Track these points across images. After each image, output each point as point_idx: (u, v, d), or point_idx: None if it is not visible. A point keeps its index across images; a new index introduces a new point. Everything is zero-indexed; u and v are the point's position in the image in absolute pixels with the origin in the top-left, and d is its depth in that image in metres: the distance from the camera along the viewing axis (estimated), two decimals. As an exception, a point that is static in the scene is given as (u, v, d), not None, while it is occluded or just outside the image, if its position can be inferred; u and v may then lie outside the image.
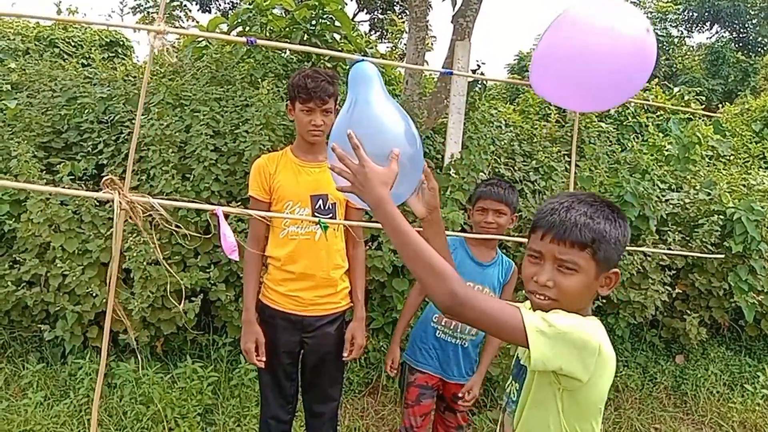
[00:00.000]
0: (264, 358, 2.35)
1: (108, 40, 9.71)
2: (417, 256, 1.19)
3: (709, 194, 4.46)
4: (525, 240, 2.04)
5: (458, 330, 2.51)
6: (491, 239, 2.47)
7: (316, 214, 2.35)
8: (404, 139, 1.41)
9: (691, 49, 18.42)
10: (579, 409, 1.29)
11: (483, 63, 5.95)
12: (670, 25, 17.00)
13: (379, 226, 2.40)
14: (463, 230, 3.74)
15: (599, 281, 1.32)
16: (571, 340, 1.20)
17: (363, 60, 1.48)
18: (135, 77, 5.17)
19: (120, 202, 1.19)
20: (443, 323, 2.53)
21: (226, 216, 3.47)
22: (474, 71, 5.50)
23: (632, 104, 6.72)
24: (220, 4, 15.98)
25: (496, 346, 2.63)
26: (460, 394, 2.51)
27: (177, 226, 1.32)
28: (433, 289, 1.17)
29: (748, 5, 16.96)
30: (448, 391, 2.59)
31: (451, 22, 4.92)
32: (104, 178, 1.22)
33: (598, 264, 1.30)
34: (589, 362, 1.21)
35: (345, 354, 2.43)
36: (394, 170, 1.32)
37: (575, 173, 4.34)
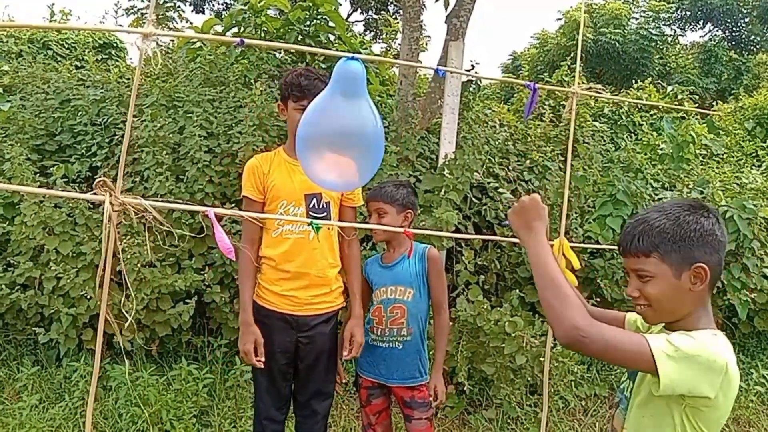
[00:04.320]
0: (263, 359, 2.36)
1: (101, 42, 9.69)
2: (553, 286, 1.27)
3: (702, 193, 4.49)
4: (515, 240, 2.05)
5: (386, 334, 2.48)
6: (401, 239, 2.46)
7: (310, 212, 2.35)
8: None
9: (685, 47, 18.49)
10: (700, 422, 1.30)
11: (477, 63, 5.95)
12: (663, 24, 17.04)
13: (372, 226, 2.41)
14: (457, 230, 3.74)
15: (684, 280, 1.32)
16: (697, 363, 1.21)
17: (352, 58, 1.49)
18: (128, 79, 5.17)
19: (112, 205, 1.19)
20: (372, 331, 2.51)
21: (220, 218, 3.48)
22: (468, 71, 5.50)
23: (626, 103, 6.74)
24: (213, 5, 15.95)
25: (445, 339, 2.57)
26: (430, 399, 2.49)
27: (171, 227, 1.32)
28: (559, 319, 1.23)
29: (741, 4, 17.01)
30: (396, 396, 2.56)
31: (445, 22, 4.93)
32: (96, 180, 1.22)
33: (672, 265, 1.31)
34: (716, 381, 1.22)
35: (345, 353, 2.43)
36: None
37: (569, 173, 4.35)
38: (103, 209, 1.21)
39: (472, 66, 5.65)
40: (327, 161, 1.59)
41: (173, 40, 6.24)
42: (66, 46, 9.05)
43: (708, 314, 1.36)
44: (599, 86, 2.22)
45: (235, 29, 5.34)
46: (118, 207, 1.20)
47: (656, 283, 1.33)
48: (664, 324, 1.40)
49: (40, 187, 3.68)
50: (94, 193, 1.21)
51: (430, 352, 2.59)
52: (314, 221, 1.58)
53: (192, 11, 15.47)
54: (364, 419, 2.62)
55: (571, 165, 4.62)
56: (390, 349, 2.49)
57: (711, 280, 1.32)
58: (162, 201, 3.56)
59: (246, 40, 1.48)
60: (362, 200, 2.56)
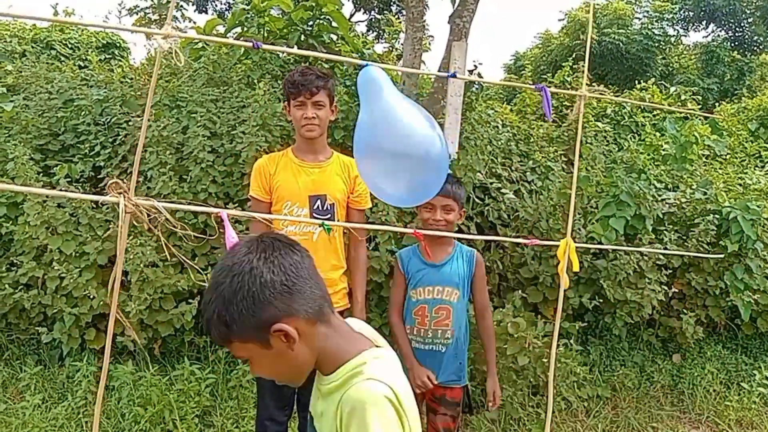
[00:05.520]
0: None
1: (104, 42, 9.71)
2: None
3: (705, 193, 4.47)
4: (521, 240, 2.06)
5: (429, 336, 2.46)
6: (445, 237, 2.43)
7: (314, 214, 2.35)
8: (430, 138, 1.48)
9: (687, 48, 18.45)
10: None
11: (480, 63, 5.94)
12: (666, 25, 17.00)
13: (377, 227, 2.41)
14: (459, 231, 3.74)
15: (278, 346, 1.11)
16: None
17: (368, 65, 1.50)
18: (132, 79, 5.17)
19: (125, 206, 1.19)
20: (414, 332, 2.48)
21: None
22: (471, 72, 5.50)
23: (629, 104, 6.73)
24: (216, 5, 15.96)
25: (494, 342, 2.59)
26: (490, 404, 2.51)
27: (184, 227, 1.33)
28: None
29: (744, 4, 16.96)
30: (429, 393, 2.53)
31: (448, 22, 4.93)
32: (110, 182, 1.23)
33: (255, 341, 1.11)
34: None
35: None
36: None
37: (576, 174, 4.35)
38: (110, 210, 1.21)
39: (475, 66, 5.65)
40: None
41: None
42: (69, 45, 9.07)
43: (335, 333, 1.18)
44: (602, 87, 2.23)
45: (238, 29, 5.35)
46: (132, 208, 1.20)
47: (258, 362, 1.15)
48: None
49: (43, 186, 3.68)
50: (106, 195, 1.21)
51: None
52: (325, 222, 1.58)
53: (195, 11, 15.49)
54: None
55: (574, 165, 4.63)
56: (433, 353, 2.47)
57: (307, 320, 1.12)
58: (167, 201, 3.56)
59: (261, 44, 1.48)
60: (369, 203, 2.56)
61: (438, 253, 2.49)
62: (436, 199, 2.40)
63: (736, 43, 17.21)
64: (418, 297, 2.47)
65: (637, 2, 16.88)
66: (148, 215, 1.28)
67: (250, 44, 1.49)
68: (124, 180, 1.37)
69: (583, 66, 6.33)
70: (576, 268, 1.83)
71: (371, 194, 2.57)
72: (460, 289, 2.46)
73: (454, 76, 2.06)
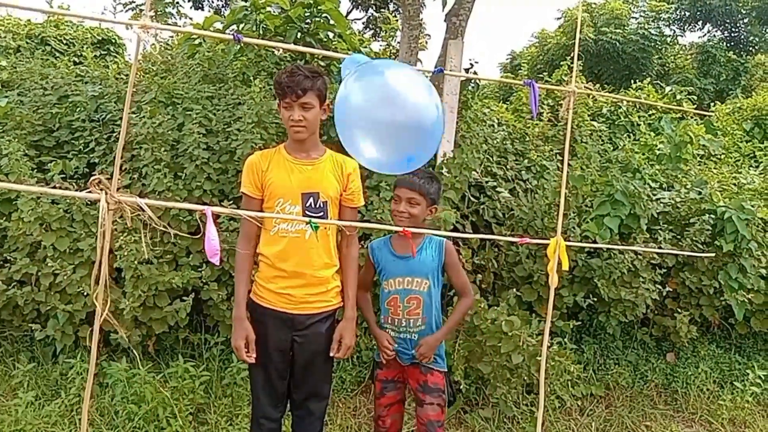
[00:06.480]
0: (254, 355, 2.36)
1: (100, 38, 9.65)
2: None
3: (700, 193, 4.49)
4: (513, 239, 2.06)
5: (402, 325, 2.53)
6: (433, 234, 2.50)
7: (306, 212, 2.35)
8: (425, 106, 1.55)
9: (683, 48, 18.49)
10: None
11: (476, 62, 5.92)
12: (663, 24, 17.03)
13: (370, 225, 2.41)
14: (455, 229, 3.74)
15: None
16: None
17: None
18: (127, 75, 5.15)
19: (107, 203, 1.19)
20: (389, 322, 2.56)
21: (218, 215, 3.48)
22: (467, 70, 5.49)
23: (625, 103, 6.74)
24: (212, 2, 15.91)
25: (459, 316, 2.63)
26: (413, 352, 2.53)
27: (167, 226, 1.32)
28: None
29: (740, 5, 17.01)
30: (411, 382, 2.60)
31: (444, 20, 4.92)
32: (92, 178, 1.22)
33: None
34: None
35: (331, 353, 2.44)
36: None
37: (567, 172, 4.36)
38: (99, 207, 1.20)
39: (471, 65, 5.65)
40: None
41: (172, 36, 6.23)
42: (64, 41, 9.01)
43: None
44: (598, 86, 2.23)
45: (236, 26, 5.33)
46: (114, 205, 1.19)
47: None
48: None
49: (37, 182, 3.67)
50: (90, 191, 1.20)
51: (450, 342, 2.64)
52: (312, 220, 1.57)
53: (191, 7, 15.44)
54: (375, 411, 2.67)
55: (569, 164, 4.64)
56: (406, 340, 2.54)
57: None
58: (159, 198, 3.56)
59: (243, 38, 1.48)
60: (362, 201, 2.56)
61: (407, 245, 2.53)
62: (402, 190, 2.45)
63: (732, 44, 17.26)
64: (390, 288, 2.53)
65: (634, 2, 16.89)
66: (135, 213, 1.27)
67: (230, 37, 1.49)
68: (118, 177, 1.36)
69: (577, 64, 6.33)
70: (565, 266, 1.83)
71: (364, 194, 2.58)
72: (430, 279, 2.51)
73: (441, 71, 2.06)
